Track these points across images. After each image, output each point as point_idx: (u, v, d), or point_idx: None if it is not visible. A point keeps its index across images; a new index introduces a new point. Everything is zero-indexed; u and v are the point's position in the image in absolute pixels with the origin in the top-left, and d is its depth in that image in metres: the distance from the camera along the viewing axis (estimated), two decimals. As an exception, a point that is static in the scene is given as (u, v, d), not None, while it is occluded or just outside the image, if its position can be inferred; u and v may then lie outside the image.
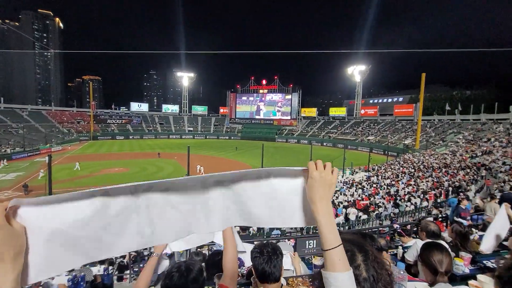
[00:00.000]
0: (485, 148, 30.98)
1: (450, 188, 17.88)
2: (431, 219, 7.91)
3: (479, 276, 2.14)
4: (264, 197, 0.91)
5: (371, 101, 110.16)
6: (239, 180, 0.90)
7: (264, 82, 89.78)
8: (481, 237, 4.64)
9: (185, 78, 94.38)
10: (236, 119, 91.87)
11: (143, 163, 37.34)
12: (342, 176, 30.98)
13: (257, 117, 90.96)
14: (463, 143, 42.25)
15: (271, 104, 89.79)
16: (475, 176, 20.03)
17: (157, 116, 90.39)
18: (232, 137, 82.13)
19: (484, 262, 2.83)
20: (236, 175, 0.90)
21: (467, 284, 2.10)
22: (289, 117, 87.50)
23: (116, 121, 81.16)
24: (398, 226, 6.24)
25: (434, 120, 62.35)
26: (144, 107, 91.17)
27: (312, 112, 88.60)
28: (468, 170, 21.85)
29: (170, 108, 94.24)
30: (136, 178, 28.53)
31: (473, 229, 5.06)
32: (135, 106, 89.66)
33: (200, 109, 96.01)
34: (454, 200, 7.16)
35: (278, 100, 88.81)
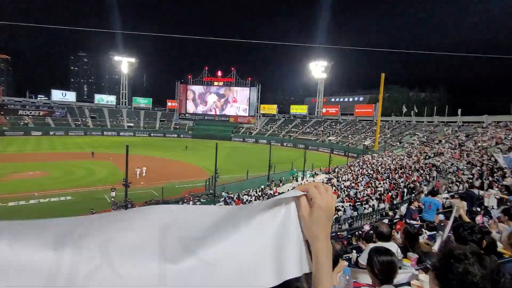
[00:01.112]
0: (436, 150, 35.24)
1: (406, 189, 19.91)
2: (386, 221, 8.69)
3: (420, 275, 2.39)
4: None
5: (332, 100, 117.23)
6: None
7: (219, 73, 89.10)
8: (430, 237, 5.24)
9: (124, 63, 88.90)
10: (187, 115, 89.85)
11: (68, 165, 34.18)
12: (303, 179, 32.27)
13: (210, 112, 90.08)
14: (417, 144, 47.49)
15: (227, 98, 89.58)
16: (427, 177, 22.63)
17: (87, 108, 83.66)
18: (182, 136, 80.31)
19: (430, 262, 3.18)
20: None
21: (409, 285, 2.34)
22: (246, 114, 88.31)
23: (31, 112, 72.33)
24: (368, 228, 6.65)
25: (392, 121, 68.85)
26: (70, 96, 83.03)
27: (272, 109, 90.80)
28: (422, 171, 24.59)
29: (105, 99, 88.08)
30: (58, 184, 25.95)
31: (422, 229, 5.70)
32: (58, 95, 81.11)
33: (143, 102, 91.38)
34: (427, 199, 7.95)
35: (235, 94, 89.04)
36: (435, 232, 5.69)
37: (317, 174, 34.81)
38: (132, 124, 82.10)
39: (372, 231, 3.92)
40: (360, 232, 7.36)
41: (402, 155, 37.46)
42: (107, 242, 0.64)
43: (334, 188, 24.16)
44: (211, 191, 27.63)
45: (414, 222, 7.22)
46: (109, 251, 0.62)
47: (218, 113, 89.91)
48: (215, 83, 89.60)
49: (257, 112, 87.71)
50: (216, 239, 0.69)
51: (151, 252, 0.65)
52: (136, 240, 0.65)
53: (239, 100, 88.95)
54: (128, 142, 37.41)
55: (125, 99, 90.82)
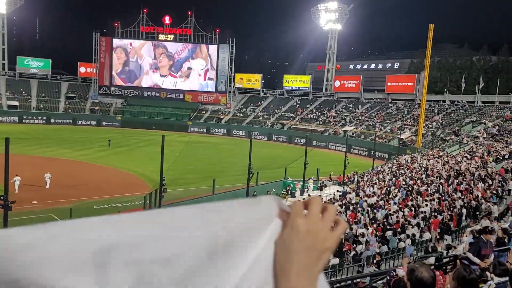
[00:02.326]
0: (512, 147, 36.41)
1: (465, 210, 20.38)
2: (432, 260, 8.79)
3: None
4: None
5: (351, 67, 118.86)
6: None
7: (167, 20, 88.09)
8: (499, 286, 5.26)
9: None
10: (113, 88, 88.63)
11: None
12: (303, 193, 32.47)
13: (153, 85, 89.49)
14: (484, 138, 48.90)
15: (180, 62, 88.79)
16: (498, 191, 23.29)
17: None
18: (104, 122, 79.69)
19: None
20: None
21: None
22: (212, 89, 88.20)
23: None
24: (393, 273, 6.65)
25: (444, 101, 70.67)
26: None
27: (254, 80, 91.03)
28: (490, 182, 25.28)
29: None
30: None
31: (487, 273, 5.75)
32: None
33: (35, 65, 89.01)
34: None
35: (194, 55, 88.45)
36: (508, 279, 5.75)
37: (326, 186, 35.11)
38: (16, 103, 79.91)
39: (407, 278, 3.93)
40: (388, 278, 7.39)
41: (460, 156, 38.41)
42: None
43: (352, 208, 24.42)
44: (152, 214, 27.27)
45: (477, 261, 7.30)
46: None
47: (165, 86, 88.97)
48: (161, 36, 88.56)
49: (229, 86, 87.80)
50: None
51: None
52: (58, 274, 0.74)
53: (200, 66, 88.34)
54: (9, 132, 35.92)
55: (3, 59, 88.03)
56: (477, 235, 9.90)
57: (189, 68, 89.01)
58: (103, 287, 0.73)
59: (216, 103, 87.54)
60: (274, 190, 33.49)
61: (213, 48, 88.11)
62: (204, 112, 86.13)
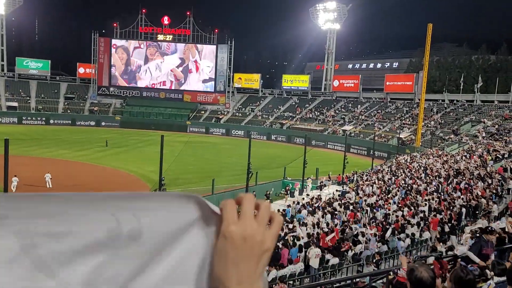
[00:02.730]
0: None
1: (464, 209, 20.38)
2: (431, 260, 8.77)
3: None
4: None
5: (350, 66, 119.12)
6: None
7: (166, 20, 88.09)
8: (498, 286, 5.23)
9: None
10: (112, 89, 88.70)
11: None
12: (302, 192, 32.45)
13: (152, 86, 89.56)
14: (484, 137, 48.95)
15: (180, 62, 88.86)
16: (498, 190, 23.28)
17: None
18: (104, 123, 79.67)
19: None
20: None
21: None
22: (212, 89, 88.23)
23: None
24: (395, 271, 6.61)
25: (443, 100, 70.75)
26: None
27: (253, 80, 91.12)
28: (490, 181, 25.29)
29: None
30: None
31: (487, 271, 5.74)
32: None
33: (35, 66, 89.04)
34: None
35: (193, 56, 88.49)
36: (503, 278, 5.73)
37: (325, 185, 35.10)
38: (16, 104, 79.85)
39: (407, 277, 3.91)
40: (389, 278, 7.36)
41: (459, 155, 38.43)
42: None
43: (351, 207, 24.39)
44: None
45: (476, 260, 7.28)
46: None
47: (164, 86, 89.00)
48: (159, 37, 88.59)
49: (228, 86, 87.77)
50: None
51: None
52: None
53: (199, 66, 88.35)
54: (9, 133, 35.80)
55: (2, 61, 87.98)
56: (478, 235, 9.90)
57: (188, 68, 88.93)
58: None
59: (215, 103, 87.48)
60: (272, 189, 33.51)
61: (211, 48, 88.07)
62: (203, 112, 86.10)
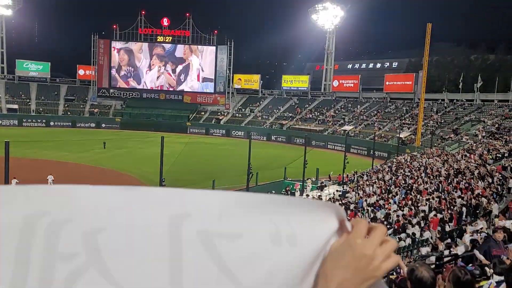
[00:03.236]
0: None
1: (465, 209, 20.38)
2: (433, 259, 8.75)
3: None
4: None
5: (349, 67, 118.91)
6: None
7: (166, 22, 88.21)
8: (499, 284, 5.22)
9: None
10: (112, 91, 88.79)
11: None
12: (301, 194, 32.48)
13: (152, 87, 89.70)
14: (484, 137, 48.92)
15: (180, 63, 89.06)
16: (499, 189, 23.27)
17: None
18: (104, 124, 79.92)
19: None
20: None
21: None
22: (211, 90, 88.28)
23: None
24: (398, 271, 6.62)
25: (443, 100, 70.75)
26: None
27: (253, 81, 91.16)
28: (490, 180, 25.29)
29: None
30: None
31: (486, 269, 5.72)
32: None
33: (35, 68, 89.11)
34: None
35: (192, 57, 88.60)
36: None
37: (325, 186, 35.12)
38: (16, 106, 79.91)
39: (407, 277, 3.89)
40: (390, 277, 7.35)
41: (459, 154, 38.44)
42: (95, 233, 0.74)
43: (352, 207, 24.41)
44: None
45: (482, 258, 7.25)
46: (99, 247, 0.73)
47: (164, 87, 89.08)
48: (159, 38, 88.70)
49: (228, 87, 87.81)
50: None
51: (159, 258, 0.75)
52: (135, 237, 0.75)
53: (199, 67, 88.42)
54: (9, 136, 35.91)
55: (2, 63, 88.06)
56: (486, 235, 9.87)
57: (188, 69, 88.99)
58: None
59: (215, 104, 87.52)
60: (274, 192, 33.50)
61: (211, 50, 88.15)
62: (203, 113, 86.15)
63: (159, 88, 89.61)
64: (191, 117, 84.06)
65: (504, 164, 29.24)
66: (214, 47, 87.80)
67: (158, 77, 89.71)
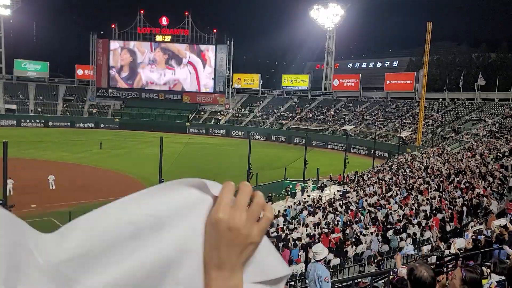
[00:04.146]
0: (513, 144, 36.41)
1: (465, 209, 20.40)
2: (433, 259, 8.79)
3: None
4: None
5: (349, 66, 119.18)
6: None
7: (165, 21, 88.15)
8: (499, 284, 5.26)
9: None
10: (111, 91, 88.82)
11: None
12: (302, 194, 32.50)
13: (152, 87, 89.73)
14: (484, 136, 49.00)
15: (179, 63, 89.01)
16: (499, 189, 23.30)
17: None
18: (103, 124, 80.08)
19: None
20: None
21: None
22: (211, 89, 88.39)
23: None
24: (395, 271, 6.65)
25: (443, 99, 70.82)
26: None
27: (252, 80, 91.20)
28: (491, 179, 25.32)
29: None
30: None
31: (483, 269, 5.75)
32: None
33: (33, 68, 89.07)
34: None
35: (191, 56, 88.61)
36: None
37: (326, 186, 35.13)
38: (14, 106, 79.87)
39: (407, 277, 3.91)
40: (390, 278, 7.38)
41: (460, 154, 38.48)
42: None
43: (353, 206, 24.43)
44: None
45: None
46: None
47: (163, 87, 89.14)
48: (158, 37, 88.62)
49: (228, 86, 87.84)
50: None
51: None
52: None
53: (198, 67, 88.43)
54: (7, 136, 35.90)
55: (0, 63, 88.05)
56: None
57: (187, 69, 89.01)
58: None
59: (214, 104, 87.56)
60: (274, 194, 33.49)
61: (210, 49, 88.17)
62: (202, 113, 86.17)
63: (158, 88, 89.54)
64: (191, 117, 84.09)
65: (505, 164, 29.26)
66: (214, 46, 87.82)
67: (157, 77, 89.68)
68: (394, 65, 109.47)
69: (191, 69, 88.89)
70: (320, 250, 8.54)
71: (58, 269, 0.78)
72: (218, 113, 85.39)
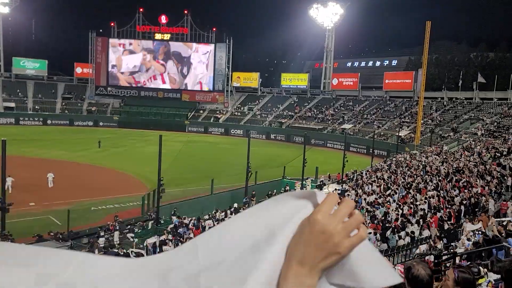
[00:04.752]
0: None
1: (463, 208, 20.47)
2: (432, 258, 8.83)
3: None
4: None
5: (348, 65, 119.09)
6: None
7: (164, 19, 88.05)
8: (497, 282, 5.29)
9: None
10: (110, 89, 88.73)
11: None
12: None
13: (151, 85, 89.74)
14: (483, 135, 49.09)
15: (178, 61, 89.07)
16: (497, 188, 23.38)
17: None
18: (102, 123, 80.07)
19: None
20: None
21: None
22: (210, 88, 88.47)
23: None
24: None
25: (442, 98, 70.94)
26: None
27: (252, 79, 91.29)
28: (490, 178, 25.40)
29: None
30: None
31: (480, 268, 5.79)
32: None
33: (31, 66, 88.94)
34: None
35: (191, 54, 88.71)
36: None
37: (325, 184, 35.16)
38: (13, 104, 79.78)
39: (404, 275, 3.90)
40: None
41: (458, 153, 38.56)
42: None
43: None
44: (151, 214, 27.44)
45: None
46: None
47: (162, 85, 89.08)
48: (157, 36, 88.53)
49: (227, 85, 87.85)
50: None
51: None
52: None
53: (198, 65, 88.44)
54: (6, 134, 35.89)
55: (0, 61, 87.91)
56: None
57: (186, 67, 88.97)
58: None
59: (213, 102, 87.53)
60: (275, 191, 33.54)
61: (209, 48, 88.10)
62: (201, 111, 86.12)
63: (157, 86, 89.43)
64: (190, 116, 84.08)
65: (503, 163, 29.31)
66: (213, 45, 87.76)
67: (156, 76, 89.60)
68: (393, 64, 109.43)
69: (190, 67, 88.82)
70: None
71: (197, 279, 0.87)
72: (217, 112, 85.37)
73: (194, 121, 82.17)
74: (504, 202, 19.54)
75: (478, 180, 25.38)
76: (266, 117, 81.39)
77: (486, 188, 23.12)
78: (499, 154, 33.55)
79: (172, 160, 41.18)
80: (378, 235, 18.07)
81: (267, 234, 0.90)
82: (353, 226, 0.89)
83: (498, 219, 15.28)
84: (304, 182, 35.04)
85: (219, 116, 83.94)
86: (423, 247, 15.47)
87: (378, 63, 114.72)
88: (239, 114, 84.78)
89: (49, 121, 77.68)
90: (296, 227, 0.91)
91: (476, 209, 20.20)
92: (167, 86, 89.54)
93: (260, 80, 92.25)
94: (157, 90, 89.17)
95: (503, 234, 12.59)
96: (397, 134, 59.53)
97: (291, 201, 0.94)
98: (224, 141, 67.09)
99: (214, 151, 55.67)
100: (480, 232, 13.46)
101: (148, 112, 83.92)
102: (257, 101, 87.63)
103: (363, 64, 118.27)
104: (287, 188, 34.27)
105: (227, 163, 44.83)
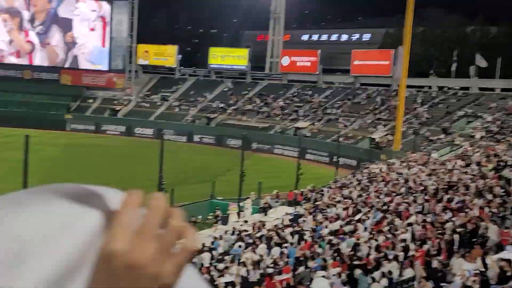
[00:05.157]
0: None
1: (457, 237, 21.20)
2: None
3: None
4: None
5: (304, 38, 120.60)
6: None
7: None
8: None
9: None
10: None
11: None
12: (239, 217, 32.54)
13: (10, 59, 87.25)
14: (482, 137, 50.55)
15: (51, 22, 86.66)
16: (501, 209, 24.36)
17: None
18: None
19: None
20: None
21: None
22: (105, 67, 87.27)
23: None
24: None
25: (429, 87, 73.50)
26: None
27: (166, 55, 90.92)
28: (491, 197, 26.40)
29: None
30: None
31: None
32: None
33: None
34: None
35: (71, 14, 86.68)
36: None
37: (271, 207, 35.30)
38: None
39: None
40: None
41: (451, 162, 39.83)
42: None
43: (308, 235, 24.74)
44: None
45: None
46: None
47: (30, 60, 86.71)
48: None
49: (130, 63, 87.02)
50: None
51: None
52: None
53: (84, 31, 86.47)
54: None
55: None
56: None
57: (68, 35, 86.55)
58: None
59: (109, 88, 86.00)
60: (200, 217, 33.32)
61: (104, 6, 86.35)
62: (91, 100, 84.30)
63: (20, 62, 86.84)
64: (73, 107, 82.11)
65: (506, 175, 30.31)
66: (109, 4, 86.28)
67: (18, 44, 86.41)
68: (364, 39, 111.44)
69: (74, 35, 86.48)
70: None
71: None
72: (115, 102, 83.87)
73: (79, 115, 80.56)
74: (506, 231, 20.17)
75: (476, 199, 26.13)
76: (188, 111, 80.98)
77: (486, 209, 23.89)
78: (503, 164, 34.53)
79: (45, 171, 39.85)
80: (343, 276, 18.30)
81: (15, 250, 0.81)
82: (173, 238, 0.78)
83: (498, 256, 15.86)
84: (241, 204, 35.04)
85: (117, 108, 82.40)
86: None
87: (344, 37, 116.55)
88: (148, 105, 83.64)
89: None
90: (63, 255, 0.82)
91: (474, 239, 20.69)
92: (37, 61, 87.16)
93: (180, 56, 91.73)
94: (22, 67, 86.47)
95: (508, 273, 13.22)
96: (370, 136, 60.62)
97: (58, 203, 0.85)
98: (125, 145, 65.95)
99: (109, 159, 54.45)
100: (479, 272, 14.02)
101: (7, 100, 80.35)
102: (174, 87, 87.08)
103: (324, 37, 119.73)
104: (217, 212, 34.22)
105: (129, 177, 44.00)
